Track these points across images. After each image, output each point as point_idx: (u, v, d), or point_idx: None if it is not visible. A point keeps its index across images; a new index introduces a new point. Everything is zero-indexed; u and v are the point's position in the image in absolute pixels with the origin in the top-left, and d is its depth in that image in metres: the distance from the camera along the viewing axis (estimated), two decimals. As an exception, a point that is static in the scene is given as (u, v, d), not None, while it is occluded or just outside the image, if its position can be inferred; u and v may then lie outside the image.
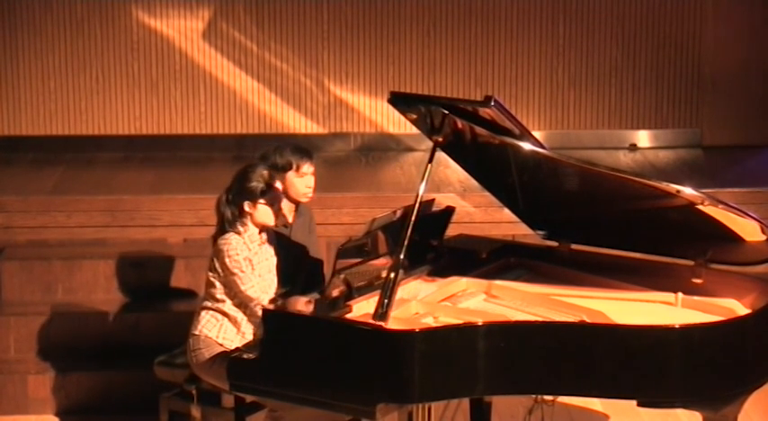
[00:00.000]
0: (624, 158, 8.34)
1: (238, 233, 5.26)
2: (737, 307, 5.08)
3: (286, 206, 5.75)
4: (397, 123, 8.38)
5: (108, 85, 8.33)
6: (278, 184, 5.65)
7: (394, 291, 4.79)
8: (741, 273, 5.18)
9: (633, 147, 8.58)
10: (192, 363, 5.31)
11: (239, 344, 5.19)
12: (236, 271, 5.21)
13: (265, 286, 5.33)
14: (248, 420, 5.33)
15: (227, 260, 5.22)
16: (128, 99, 8.36)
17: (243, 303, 5.27)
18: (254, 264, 5.26)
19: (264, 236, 5.37)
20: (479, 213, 7.17)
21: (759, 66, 8.56)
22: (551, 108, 8.55)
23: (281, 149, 5.70)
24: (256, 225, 5.29)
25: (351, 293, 4.97)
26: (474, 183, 5.71)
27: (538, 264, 5.50)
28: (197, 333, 5.30)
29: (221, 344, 5.26)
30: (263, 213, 5.27)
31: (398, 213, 5.11)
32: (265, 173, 5.28)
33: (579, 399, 6.05)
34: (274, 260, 5.44)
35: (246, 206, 5.24)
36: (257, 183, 5.24)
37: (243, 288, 5.22)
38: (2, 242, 7.04)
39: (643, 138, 8.64)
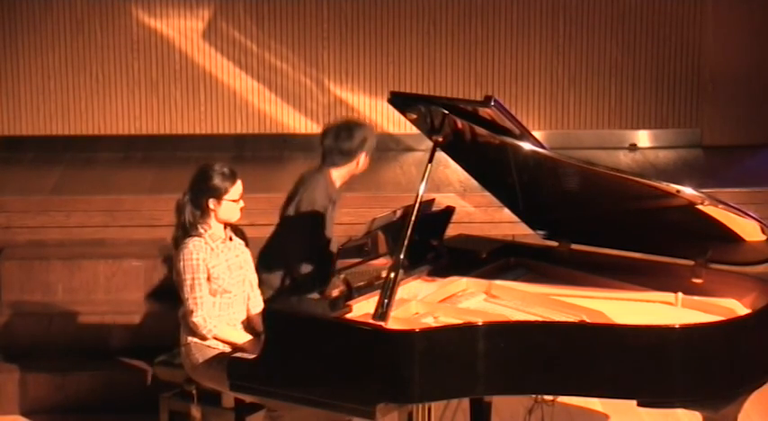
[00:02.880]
0: (624, 158, 8.33)
1: (199, 236, 5.24)
2: (737, 307, 5.08)
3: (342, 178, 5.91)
4: (397, 123, 8.37)
5: (108, 84, 8.33)
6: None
7: (394, 291, 4.79)
8: (741, 273, 5.18)
9: (633, 147, 8.58)
10: (189, 370, 5.30)
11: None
12: (187, 275, 5.19)
13: (238, 281, 5.31)
14: (248, 420, 5.33)
15: (180, 263, 5.21)
16: (127, 99, 8.36)
17: (186, 312, 5.24)
18: (210, 267, 5.20)
19: (230, 231, 5.34)
20: (479, 213, 7.16)
21: (759, 66, 8.56)
22: (551, 108, 8.54)
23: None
24: (220, 222, 5.27)
25: (351, 293, 4.97)
26: (474, 183, 5.71)
27: (538, 264, 5.50)
28: (186, 342, 5.28)
29: (212, 347, 5.23)
30: (228, 210, 5.25)
31: (398, 213, 5.11)
32: (226, 170, 5.26)
33: (579, 399, 6.05)
34: (247, 255, 5.40)
35: (211, 204, 5.23)
36: (222, 181, 5.22)
37: (187, 295, 5.19)
38: (2, 242, 7.04)
39: (643, 137, 8.64)
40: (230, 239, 5.33)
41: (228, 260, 5.29)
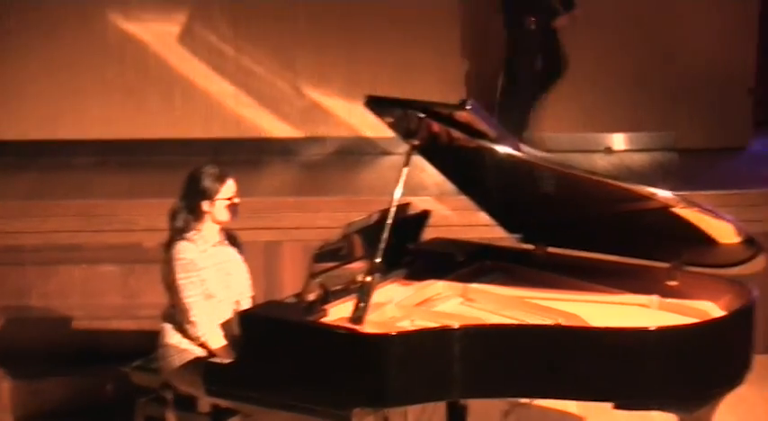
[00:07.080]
0: (600, 161, 8.36)
1: (189, 240, 5.23)
2: (713, 309, 5.10)
3: None
4: (373, 127, 8.36)
5: (83, 89, 8.30)
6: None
7: (370, 295, 4.79)
8: (716, 275, 5.20)
9: (608, 150, 8.60)
10: (166, 372, 5.28)
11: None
12: (178, 276, 5.17)
13: (225, 286, 5.29)
14: (224, 425, 5.32)
15: (170, 265, 5.20)
16: (103, 103, 8.33)
17: (178, 314, 5.22)
18: (199, 267, 5.19)
19: (223, 235, 5.34)
20: (456, 216, 7.16)
21: (732, 69, 8.59)
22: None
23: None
24: (216, 223, 5.27)
25: (327, 297, 4.97)
26: (450, 186, 5.71)
27: (514, 267, 5.51)
28: (165, 342, 5.27)
29: (189, 350, 5.21)
30: (222, 210, 5.25)
31: (374, 217, 5.11)
32: (215, 171, 5.27)
33: (555, 402, 6.06)
34: (240, 260, 5.40)
35: (205, 206, 5.23)
36: (212, 182, 5.23)
37: (180, 295, 5.18)
38: (-24, 247, 7.02)
39: (618, 140, 8.66)
40: (221, 243, 5.33)
41: (217, 264, 5.29)
